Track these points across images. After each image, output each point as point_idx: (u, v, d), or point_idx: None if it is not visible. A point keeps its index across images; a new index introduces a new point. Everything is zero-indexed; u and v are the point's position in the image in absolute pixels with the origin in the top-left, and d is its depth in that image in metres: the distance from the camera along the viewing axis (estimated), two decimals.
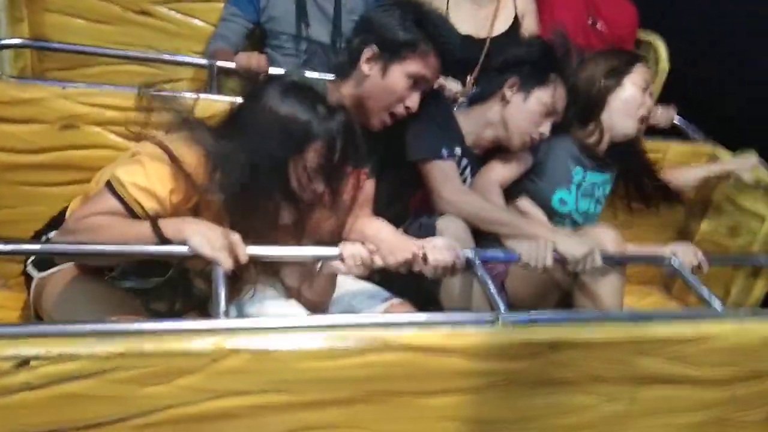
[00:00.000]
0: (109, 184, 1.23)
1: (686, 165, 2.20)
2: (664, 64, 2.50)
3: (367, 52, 1.54)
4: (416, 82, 1.55)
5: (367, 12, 1.62)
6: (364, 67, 1.55)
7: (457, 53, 1.59)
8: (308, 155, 1.26)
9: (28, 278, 1.46)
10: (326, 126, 1.25)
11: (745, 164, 2.07)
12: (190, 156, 1.26)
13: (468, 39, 2.20)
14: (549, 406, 1.34)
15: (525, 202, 1.85)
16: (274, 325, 1.12)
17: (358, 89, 1.57)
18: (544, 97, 1.71)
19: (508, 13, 2.26)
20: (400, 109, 1.57)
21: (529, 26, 2.29)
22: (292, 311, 1.39)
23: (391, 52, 1.52)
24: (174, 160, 1.24)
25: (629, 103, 1.84)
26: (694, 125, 2.32)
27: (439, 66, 1.57)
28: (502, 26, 2.25)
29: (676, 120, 2.30)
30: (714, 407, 1.53)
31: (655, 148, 2.19)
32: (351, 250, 1.31)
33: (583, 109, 1.83)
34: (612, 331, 1.30)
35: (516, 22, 2.26)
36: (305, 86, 1.29)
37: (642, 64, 1.90)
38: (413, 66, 1.53)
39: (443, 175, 1.63)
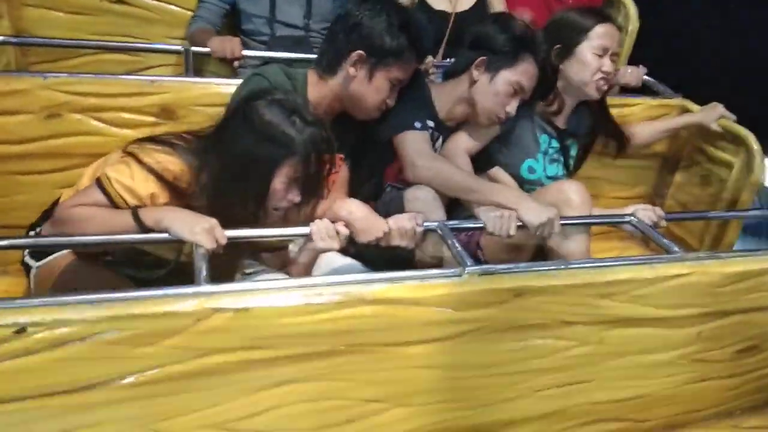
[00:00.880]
0: (98, 181, 1.34)
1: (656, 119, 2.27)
2: (634, 23, 2.55)
3: (354, 56, 1.62)
4: (395, 84, 1.66)
5: (354, 10, 1.66)
6: (351, 69, 1.63)
7: (430, 47, 1.73)
8: (286, 169, 1.34)
9: (27, 268, 1.56)
10: (303, 141, 1.33)
11: (711, 115, 2.13)
12: (175, 164, 1.35)
13: (441, 13, 2.27)
14: (521, 350, 1.42)
15: (497, 171, 1.92)
16: (254, 287, 1.20)
17: (343, 88, 1.66)
18: (511, 77, 1.73)
19: None
20: (383, 107, 1.69)
21: (497, 2, 2.34)
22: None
23: (377, 58, 1.61)
24: (159, 169, 1.33)
25: (583, 70, 1.86)
26: (663, 83, 2.37)
27: (416, 67, 1.70)
28: (468, 2, 2.30)
29: (646, 78, 2.36)
30: (681, 346, 1.61)
31: (626, 104, 2.25)
32: (318, 225, 1.38)
33: (540, 80, 1.84)
34: (572, 276, 1.38)
35: None
36: (284, 101, 1.37)
37: (601, 26, 1.87)
38: (396, 72, 1.64)
39: (415, 144, 1.70)
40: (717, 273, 1.50)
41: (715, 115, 2.13)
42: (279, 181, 1.35)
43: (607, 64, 1.86)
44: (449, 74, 1.88)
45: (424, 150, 1.71)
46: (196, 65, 2.05)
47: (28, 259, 1.55)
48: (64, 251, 1.51)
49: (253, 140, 1.33)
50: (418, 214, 1.48)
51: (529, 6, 2.35)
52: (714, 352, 1.67)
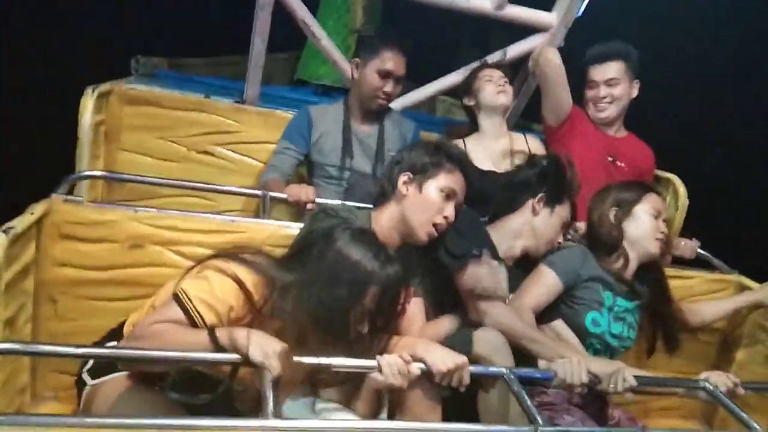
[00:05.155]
0: (175, 296, 1.37)
1: (714, 295, 2.27)
2: (684, 200, 2.65)
3: (403, 177, 1.78)
4: (448, 195, 1.75)
5: (397, 153, 1.92)
6: (402, 189, 1.77)
7: (474, 183, 1.84)
8: (366, 299, 1.40)
9: (81, 385, 1.54)
10: (385, 275, 1.41)
11: None
12: (251, 279, 1.40)
13: (489, 174, 2.41)
14: None
15: (559, 324, 1.91)
16: (316, 426, 1.17)
17: (399, 208, 1.76)
18: (564, 212, 1.96)
19: (523, 148, 2.51)
20: (440, 220, 1.74)
21: None
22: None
23: (422, 173, 1.77)
24: (238, 282, 1.38)
25: (642, 227, 1.98)
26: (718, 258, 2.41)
27: (465, 181, 1.80)
28: (519, 161, 2.43)
29: (700, 251, 2.39)
30: None
31: (682, 277, 2.26)
32: (388, 360, 1.37)
33: (604, 240, 1.98)
34: None
35: None
36: (367, 236, 1.48)
37: (652, 194, 2.04)
38: (443, 180, 1.76)
39: (479, 282, 1.70)
40: None
41: None
42: (356, 312, 1.39)
43: (662, 225, 2.00)
44: (498, 214, 1.98)
45: (489, 288, 1.71)
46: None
47: (84, 376, 1.53)
48: (122, 373, 1.50)
49: (337, 271, 1.39)
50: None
51: (586, 167, 2.39)
52: None
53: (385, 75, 2.35)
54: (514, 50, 2.80)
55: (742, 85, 3.60)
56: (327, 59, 2.89)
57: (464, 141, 2.51)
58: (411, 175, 1.77)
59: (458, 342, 1.58)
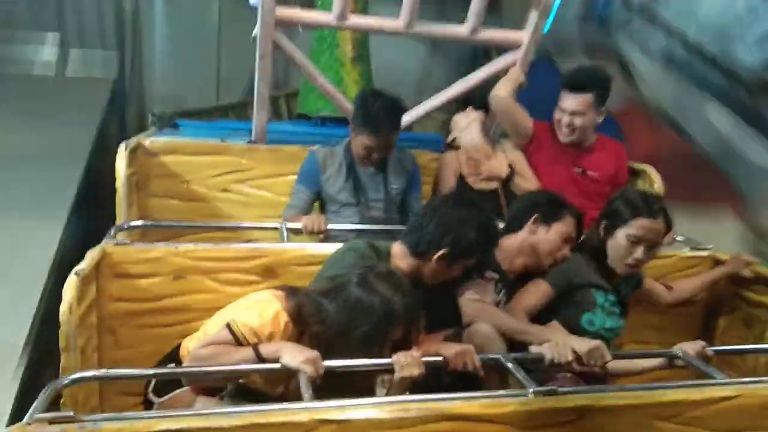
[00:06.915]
0: (228, 324, 1.67)
1: (691, 270, 2.52)
2: (660, 189, 2.90)
3: (442, 252, 1.92)
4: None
5: (445, 210, 1.98)
6: (435, 260, 1.93)
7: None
8: (390, 329, 1.65)
9: (148, 404, 1.83)
10: (404, 311, 1.66)
11: (739, 263, 2.37)
12: (290, 312, 1.69)
13: (480, 191, 2.71)
14: None
15: (555, 325, 2.10)
16: (352, 403, 1.44)
17: (425, 270, 1.96)
18: (564, 227, 2.13)
19: (503, 162, 2.80)
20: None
21: (522, 172, 2.79)
22: None
23: (460, 258, 1.95)
24: (279, 315, 1.66)
25: (617, 250, 2.11)
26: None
27: None
28: (503, 174, 2.78)
29: (677, 237, 2.64)
30: None
31: (661, 257, 2.50)
32: (399, 356, 1.63)
33: (590, 248, 2.18)
34: (630, 396, 1.56)
35: (511, 169, 2.78)
36: (391, 276, 1.72)
37: (641, 218, 2.06)
38: (472, 263, 2.00)
39: (471, 294, 1.99)
40: (765, 395, 1.64)
41: (742, 262, 2.36)
42: (379, 342, 1.65)
43: (638, 253, 2.07)
44: (505, 232, 2.20)
45: (477, 299, 1.99)
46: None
47: (151, 396, 1.83)
48: (185, 388, 1.79)
49: (365, 307, 1.65)
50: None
51: (555, 181, 2.70)
52: None
53: (372, 148, 2.53)
54: (491, 68, 3.09)
55: None
56: (323, 93, 3.20)
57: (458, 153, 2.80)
58: (446, 253, 1.91)
59: (453, 336, 1.85)
